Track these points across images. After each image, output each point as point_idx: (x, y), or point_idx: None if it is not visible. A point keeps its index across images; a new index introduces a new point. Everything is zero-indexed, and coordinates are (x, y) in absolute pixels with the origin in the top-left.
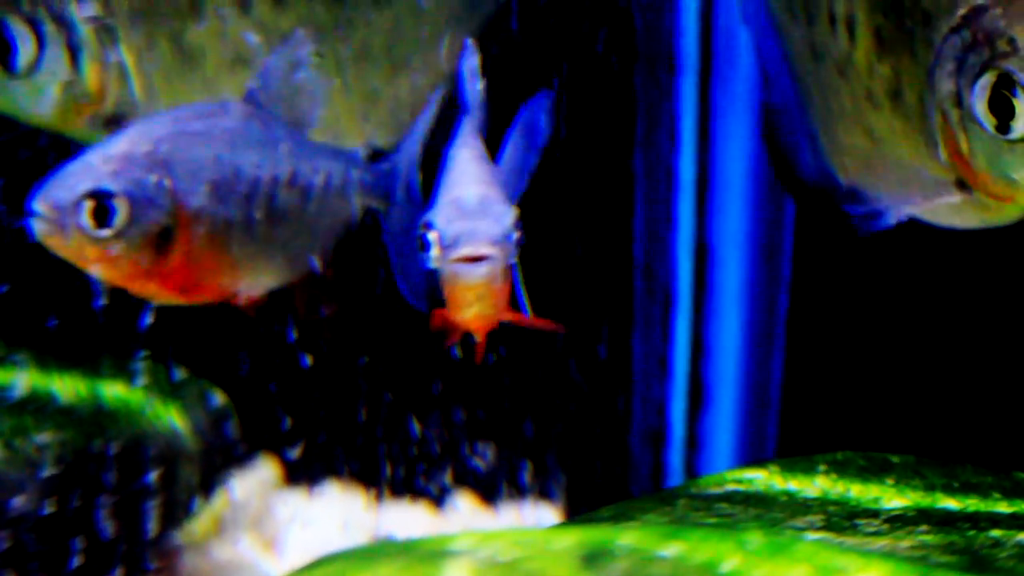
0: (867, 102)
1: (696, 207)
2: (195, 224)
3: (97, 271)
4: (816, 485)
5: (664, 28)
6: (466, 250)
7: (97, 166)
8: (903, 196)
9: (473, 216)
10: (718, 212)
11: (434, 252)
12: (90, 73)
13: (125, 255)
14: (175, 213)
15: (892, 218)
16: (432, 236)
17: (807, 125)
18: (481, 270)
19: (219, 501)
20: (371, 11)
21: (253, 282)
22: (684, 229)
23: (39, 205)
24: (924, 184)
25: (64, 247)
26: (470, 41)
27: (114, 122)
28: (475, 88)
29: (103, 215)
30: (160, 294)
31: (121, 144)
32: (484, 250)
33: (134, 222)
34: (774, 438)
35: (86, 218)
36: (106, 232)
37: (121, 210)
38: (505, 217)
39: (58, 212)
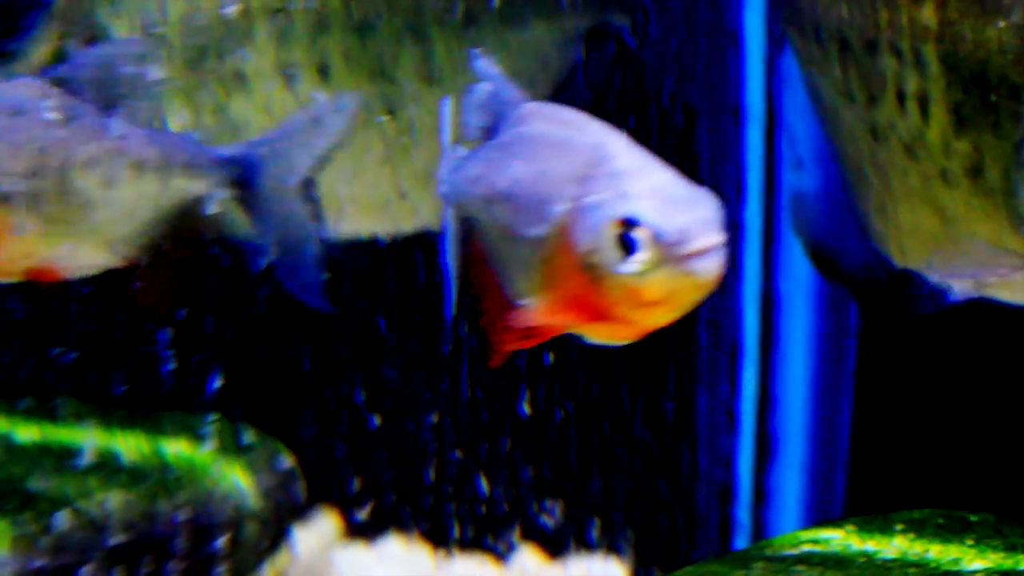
0: (940, 180)
1: (762, 258)
2: None
3: None
4: (894, 546)
5: (729, 79)
6: (702, 242)
7: None
8: (978, 274)
9: (689, 204)
10: (785, 263)
11: (645, 254)
12: None
13: None
14: None
15: (959, 296)
16: (642, 234)
17: (854, 208)
18: (718, 261)
19: (281, 558)
20: (422, 89)
21: (55, 262)
22: (750, 280)
23: None
24: (1006, 262)
25: None
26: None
27: None
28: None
29: None
30: None
31: None
32: (718, 238)
33: None
34: (843, 491)
35: None
36: None
37: None
38: (713, 199)
39: None
